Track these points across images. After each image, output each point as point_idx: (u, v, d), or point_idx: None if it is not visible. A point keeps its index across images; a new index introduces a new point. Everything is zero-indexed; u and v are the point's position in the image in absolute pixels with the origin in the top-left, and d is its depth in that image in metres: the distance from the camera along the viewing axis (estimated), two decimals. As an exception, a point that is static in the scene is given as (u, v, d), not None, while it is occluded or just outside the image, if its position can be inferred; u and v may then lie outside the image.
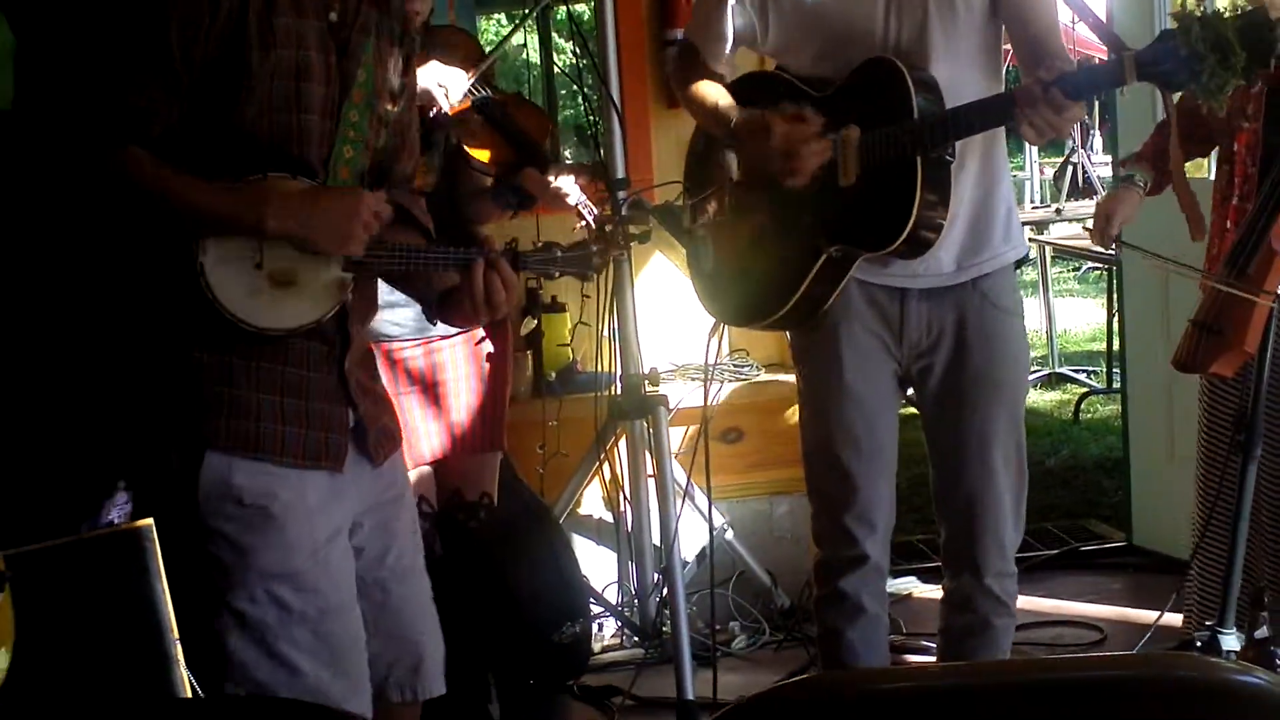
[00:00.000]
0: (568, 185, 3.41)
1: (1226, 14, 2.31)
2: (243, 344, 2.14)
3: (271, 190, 2.12)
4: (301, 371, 2.21)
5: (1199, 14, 2.30)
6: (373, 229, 2.17)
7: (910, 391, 2.99)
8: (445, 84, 3.30)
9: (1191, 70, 2.31)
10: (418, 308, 3.27)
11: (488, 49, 3.66)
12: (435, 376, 3.37)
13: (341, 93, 2.21)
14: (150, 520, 2.11)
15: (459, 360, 3.41)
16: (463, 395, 3.42)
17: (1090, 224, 3.42)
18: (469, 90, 3.37)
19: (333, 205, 2.15)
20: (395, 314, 3.27)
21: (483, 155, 3.41)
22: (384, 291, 3.21)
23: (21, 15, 2.14)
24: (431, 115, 3.27)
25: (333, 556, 2.22)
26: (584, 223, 3.38)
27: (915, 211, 2.59)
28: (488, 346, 3.47)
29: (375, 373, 2.44)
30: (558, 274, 2.55)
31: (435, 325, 3.29)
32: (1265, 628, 3.16)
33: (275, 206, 2.11)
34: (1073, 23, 9.56)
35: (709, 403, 3.66)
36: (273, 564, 2.16)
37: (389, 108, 2.30)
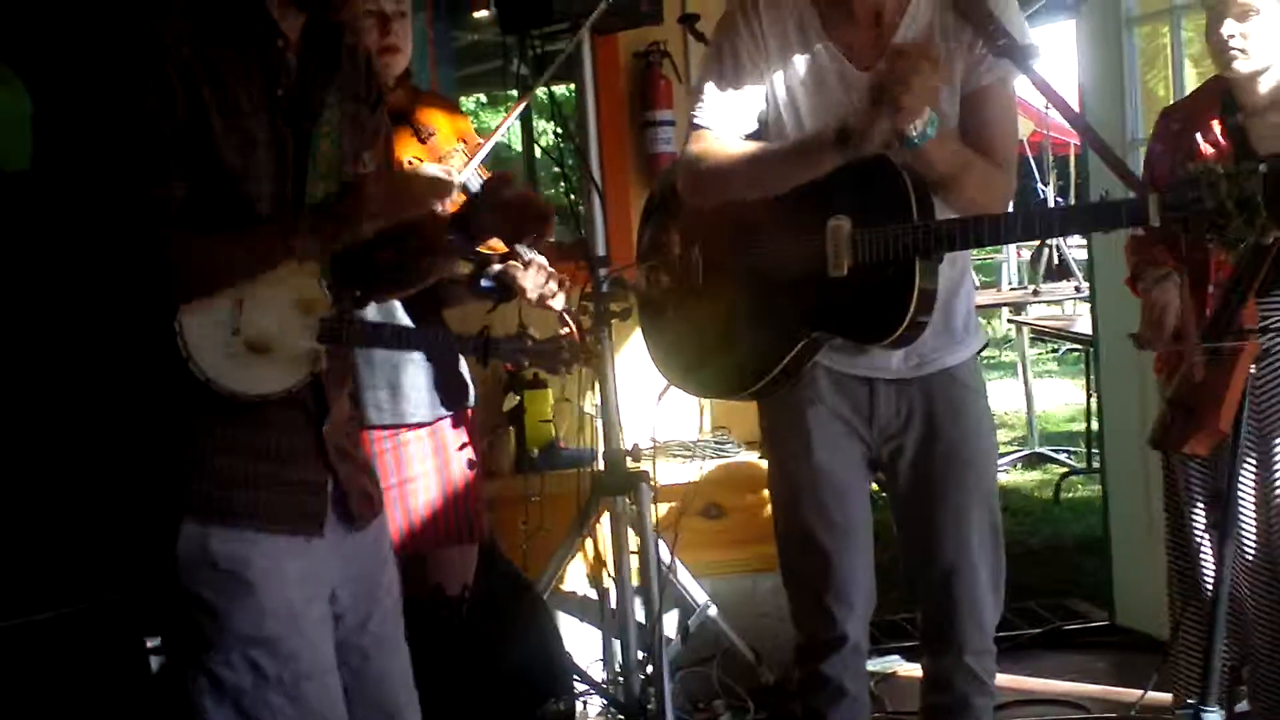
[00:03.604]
0: (536, 283, 3.32)
1: (1251, 171, 2.33)
2: (220, 410, 2.15)
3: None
4: (278, 437, 2.22)
5: (1225, 169, 2.31)
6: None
7: (878, 474, 3.00)
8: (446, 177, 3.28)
9: (1214, 223, 2.32)
10: (395, 388, 3.29)
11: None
12: (404, 473, 3.32)
13: (299, 164, 2.23)
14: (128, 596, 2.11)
15: (425, 454, 3.35)
16: (433, 490, 3.36)
17: (1143, 320, 3.32)
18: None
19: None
20: (374, 395, 3.27)
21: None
22: (365, 374, 3.23)
23: (40, 83, 2.17)
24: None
25: (309, 622, 2.22)
26: (566, 329, 3.36)
27: (911, 309, 2.61)
28: (454, 436, 3.42)
29: (356, 439, 2.44)
30: (527, 364, 2.58)
31: (409, 413, 3.32)
32: (1245, 702, 3.17)
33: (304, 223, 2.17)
34: (1045, 108, 9.72)
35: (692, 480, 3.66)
36: (248, 628, 2.15)
37: (356, 168, 2.33)
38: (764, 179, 2.74)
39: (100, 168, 2.07)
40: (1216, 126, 3.31)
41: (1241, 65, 3.24)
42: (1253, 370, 3.01)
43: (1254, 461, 3.30)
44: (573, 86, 4.32)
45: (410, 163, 3.26)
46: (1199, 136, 3.33)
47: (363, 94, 2.37)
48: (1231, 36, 3.22)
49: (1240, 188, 2.29)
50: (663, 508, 4.10)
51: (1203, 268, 3.28)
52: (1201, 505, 3.39)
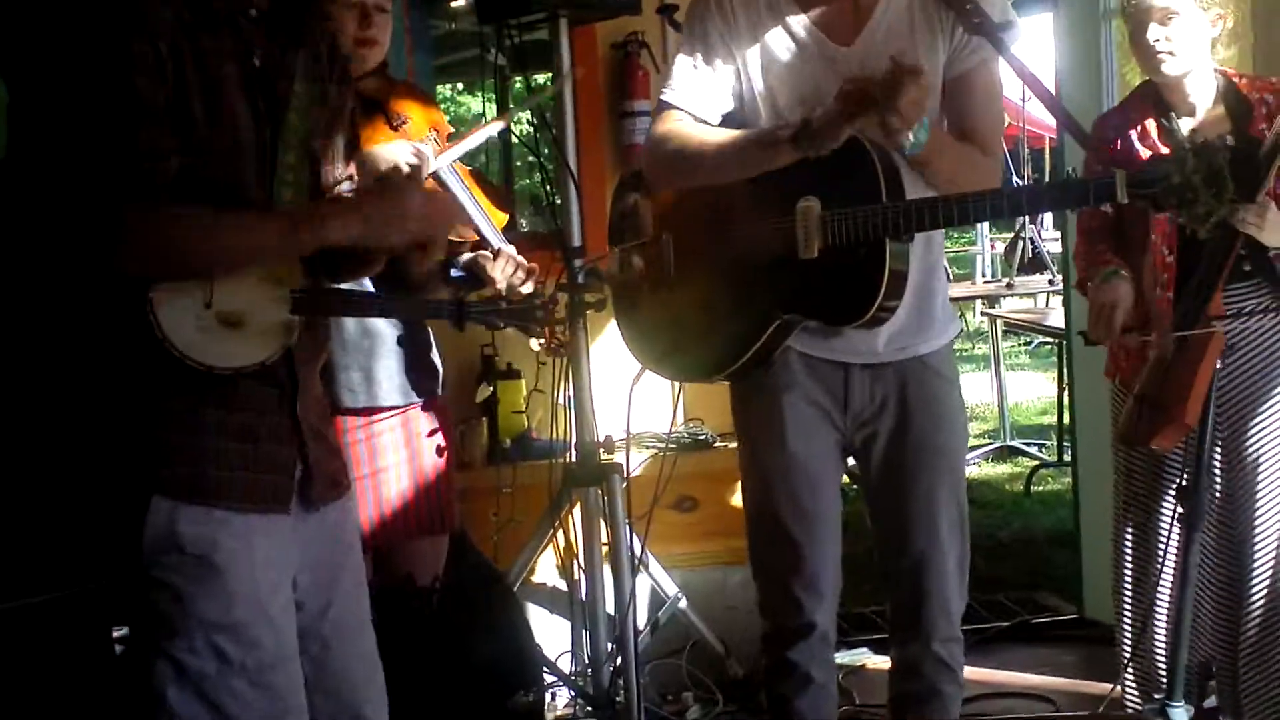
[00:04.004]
0: (505, 273, 3.33)
1: (1219, 146, 2.34)
2: (191, 388, 2.13)
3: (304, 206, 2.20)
4: (250, 416, 2.20)
5: (1192, 144, 2.33)
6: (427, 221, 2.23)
7: (851, 462, 3.00)
8: (410, 160, 3.25)
9: (1182, 198, 2.33)
10: (368, 372, 3.28)
11: (445, 114, 3.65)
12: (376, 463, 3.30)
13: (273, 138, 2.22)
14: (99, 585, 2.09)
15: (399, 444, 3.34)
16: (404, 480, 3.35)
17: (1091, 318, 3.37)
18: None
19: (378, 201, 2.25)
20: (347, 376, 3.26)
21: None
22: (340, 358, 3.23)
23: (15, 69, 2.14)
24: None
25: (275, 608, 2.20)
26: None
27: (882, 290, 2.62)
28: (425, 424, 3.41)
29: (327, 418, 2.43)
30: (502, 325, 2.57)
31: (382, 396, 3.31)
32: (1213, 697, 3.19)
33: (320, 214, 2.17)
34: (1023, 100, 9.75)
35: (663, 472, 3.67)
36: (214, 614, 2.13)
37: (324, 144, 2.33)
38: (722, 167, 2.76)
39: (88, 144, 2.03)
40: (1153, 128, 3.35)
41: (1170, 68, 3.29)
42: (1218, 366, 3.03)
43: (1221, 455, 3.33)
44: (550, 76, 4.31)
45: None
46: (1135, 141, 3.37)
47: (328, 71, 2.36)
48: (1158, 40, 3.27)
49: (1208, 163, 2.31)
50: (634, 499, 4.10)
51: (1151, 269, 3.30)
52: (1171, 496, 3.40)
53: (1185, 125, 3.33)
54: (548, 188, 4.20)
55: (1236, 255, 3.11)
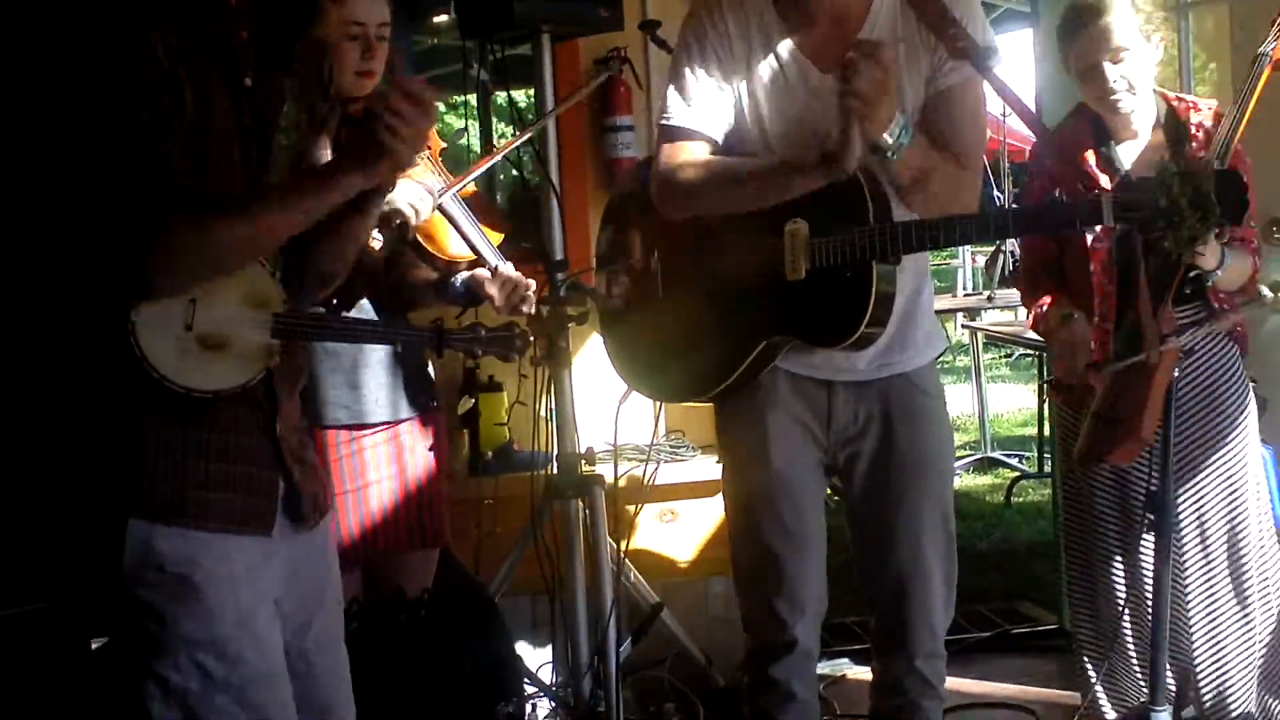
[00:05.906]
0: (504, 291, 3.32)
1: (1205, 169, 2.35)
2: (171, 409, 2.14)
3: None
4: (230, 437, 2.21)
5: (1179, 167, 2.34)
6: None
7: (835, 480, 3.02)
8: (415, 203, 3.26)
9: (1169, 221, 2.35)
10: (355, 385, 3.29)
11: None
12: (364, 477, 3.30)
13: (261, 158, 2.24)
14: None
15: (389, 458, 3.33)
16: (394, 494, 3.34)
17: (1055, 363, 3.42)
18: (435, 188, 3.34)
19: None
20: (335, 393, 3.26)
21: (436, 249, 3.40)
22: (325, 370, 3.24)
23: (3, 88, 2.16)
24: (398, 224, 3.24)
25: (258, 623, 2.21)
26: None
27: (869, 312, 2.64)
28: (415, 438, 3.40)
29: (307, 440, 2.43)
30: (480, 353, 2.58)
31: (370, 412, 3.32)
32: (1192, 707, 3.21)
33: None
34: (1003, 115, 9.78)
35: (646, 483, 3.69)
36: (195, 632, 2.15)
37: (310, 167, 2.34)
38: (744, 199, 2.74)
39: (117, 164, 2.04)
40: (1091, 157, 3.31)
41: (1127, 104, 3.27)
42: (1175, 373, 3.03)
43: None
44: (532, 91, 4.33)
45: None
46: (1074, 168, 3.32)
47: (319, 93, 2.38)
48: (1116, 81, 3.24)
49: (1195, 186, 2.33)
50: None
51: (1087, 295, 3.31)
52: (1114, 518, 3.44)
53: (1126, 151, 3.31)
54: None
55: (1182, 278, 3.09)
